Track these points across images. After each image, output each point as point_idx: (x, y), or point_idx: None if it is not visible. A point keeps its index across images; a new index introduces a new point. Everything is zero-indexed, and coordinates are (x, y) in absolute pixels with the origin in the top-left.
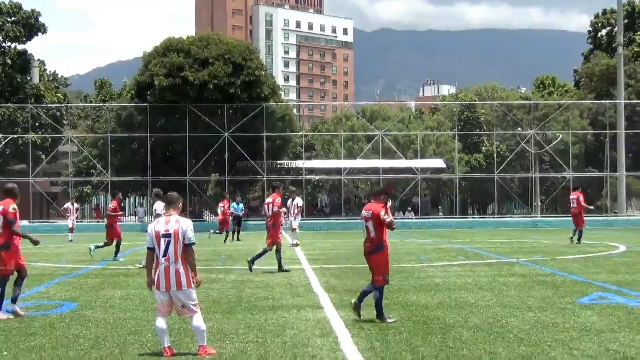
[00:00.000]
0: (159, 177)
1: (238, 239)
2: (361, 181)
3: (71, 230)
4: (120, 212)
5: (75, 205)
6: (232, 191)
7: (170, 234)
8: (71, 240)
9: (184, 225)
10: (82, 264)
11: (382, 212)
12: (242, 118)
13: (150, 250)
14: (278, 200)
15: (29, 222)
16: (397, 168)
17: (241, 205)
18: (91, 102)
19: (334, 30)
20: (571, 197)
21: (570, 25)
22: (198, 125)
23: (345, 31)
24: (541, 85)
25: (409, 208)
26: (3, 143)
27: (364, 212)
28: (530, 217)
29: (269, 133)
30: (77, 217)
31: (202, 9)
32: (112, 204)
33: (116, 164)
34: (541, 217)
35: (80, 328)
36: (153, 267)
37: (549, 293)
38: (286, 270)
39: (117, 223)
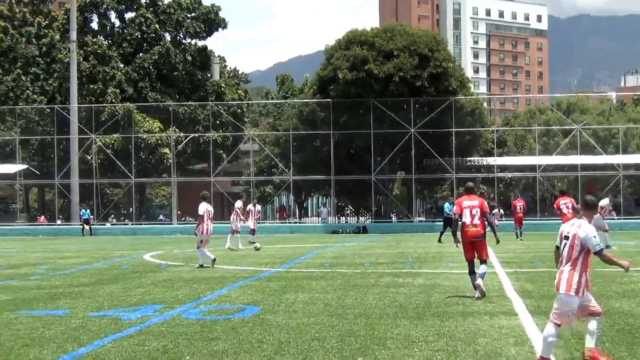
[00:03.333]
0: (343, 176)
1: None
2: (557, 179)
3: (253, 232)
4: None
5: (258, 206)
6: (419, 190)
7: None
8: (254, 243)
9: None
10: (265, 267)
11: None
12: (430, 113)
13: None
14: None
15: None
16: (597, 165)
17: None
18: (272, 98)
19: (526, 18)
20: None
21: None
22: (383, 121)
23: (539, 18)
24: None
25: (611, 207)
26: (184, 142)
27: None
28: None
29: (457, 128)
30: (258, 219)
31: None
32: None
33: (298, 163)
34: None
35: (264, 333)
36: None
37: None
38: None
39: None
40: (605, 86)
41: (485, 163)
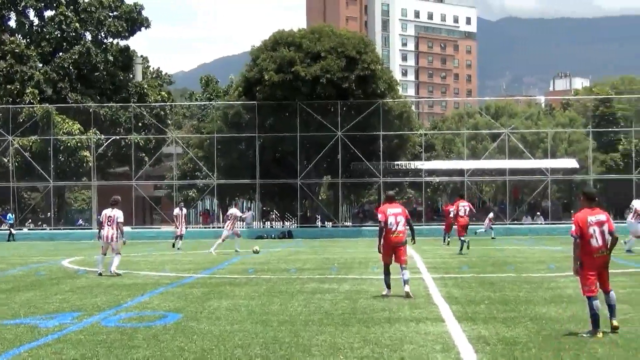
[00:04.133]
0: (268, 180)
1: None
2: (485, 183)
3: (180, 237)
4: None
5: (184, 210)
6: (346, 195)
7: None
8: (179, 249)
9: None
10: (187, 273)
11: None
12: (357, 116)
13: None
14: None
15: (132, 228)
16: (525, 169)
17: None
18: (197, 100)
19: (455, 20)
20: None
21: None
22: (310, 124)
23: (468, 21)
24: None
25: (538, 212)
26: (105, 144)
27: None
28: None
29: (385, 132)
30: (185, 224)
31: None
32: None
33: (223, 166)
34: None
35: (185, 340)
36: None
37: None
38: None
39: None
40: (534, 90)
41: (412, 167)
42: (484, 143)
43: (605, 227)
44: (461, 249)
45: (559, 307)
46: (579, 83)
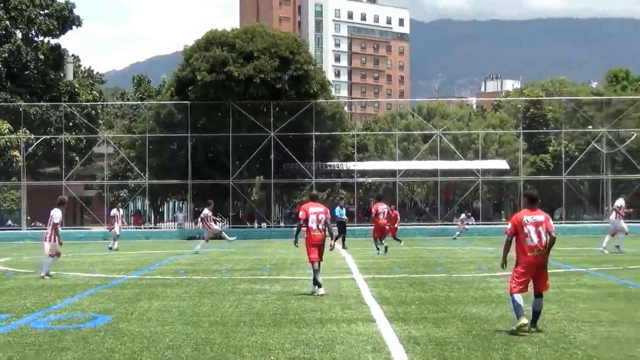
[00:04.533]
0: (200, 180)
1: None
2: (417, 184)
3: (116, 238)
4: None
5: (121, 211)
6: (278, 195)
7: None
8: (117, 250)
9: None
10: (118, 274)
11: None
12: (290, 116)
13: None
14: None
15: (62, 229)
16: (456, 170)
17: (344, 210)
18: (128, 100)
19: (388, 21)
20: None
21: None
22: (242, 124)
23: (401, 22)
24: (614, 79)
25: (469, 213)
26: (35, 144)
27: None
28: (601, 222)
29: (318, 132)
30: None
31: None
32: None
33: (154, 166)
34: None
35: (115, 342)
36: None
37: (622, 305)
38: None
39: None
40: (466, 92)
41: (345, 168)
42: (415, 144)
43: (542, 228)
44: (378, 249)
45: (489, 307)
46: (510, 85)
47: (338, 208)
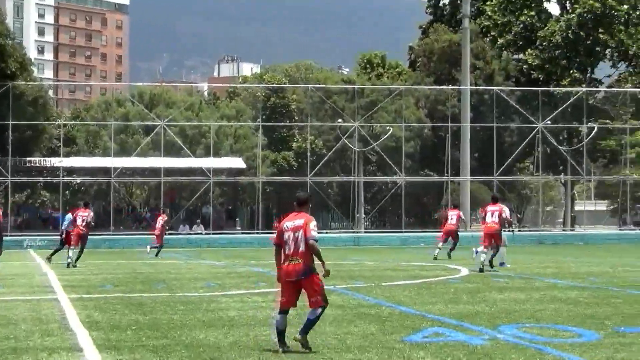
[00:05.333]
0: None
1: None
2: (136, 185)
3: None
4: None
5: None
6: None
7: None
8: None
9: None
10: None
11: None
12: None
13: None
14: None
15: None
16: (183, 169)
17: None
18: None
19: None
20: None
21: None
22: None
23: None
24: (368, 66)
25: (198, 220)
26: None
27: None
28: (352, 232)
29: (15, 121)
30: None
31: None
32: None
33: None
34: (365, 232)
35: None
36: None
37: (373, 329)
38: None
39: None
40: (196, 75)
41: (49, 164)
42: (135, 137)
43: (300, 233)
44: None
45: (220, 331)
46: (248, 69)
47: (65, 216)
